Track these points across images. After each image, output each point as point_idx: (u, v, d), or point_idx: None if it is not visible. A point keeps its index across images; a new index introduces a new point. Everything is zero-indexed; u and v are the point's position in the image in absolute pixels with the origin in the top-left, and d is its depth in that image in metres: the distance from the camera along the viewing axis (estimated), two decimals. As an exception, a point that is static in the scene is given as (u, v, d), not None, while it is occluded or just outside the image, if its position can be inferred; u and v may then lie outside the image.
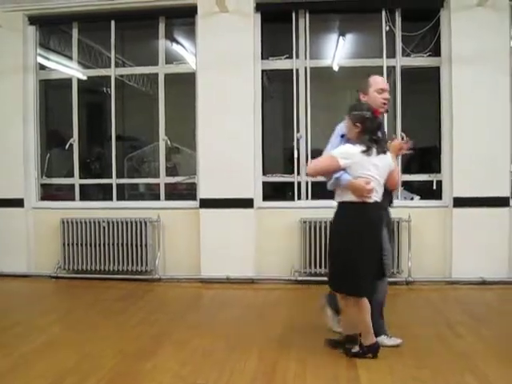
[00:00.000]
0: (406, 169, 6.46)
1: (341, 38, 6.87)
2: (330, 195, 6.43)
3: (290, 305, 5.45)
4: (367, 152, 3.62)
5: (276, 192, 6.63)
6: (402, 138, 4.05)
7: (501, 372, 3.51)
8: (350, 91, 7.17)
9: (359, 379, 3.44)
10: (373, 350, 3.79)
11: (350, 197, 3.67)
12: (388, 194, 3.92)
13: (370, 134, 3.66)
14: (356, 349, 3.83)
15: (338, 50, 6.78)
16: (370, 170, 3.64)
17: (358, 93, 4.02)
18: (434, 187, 6.26)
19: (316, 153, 6.63)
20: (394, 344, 3.99)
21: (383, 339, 3.97)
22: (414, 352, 3.90)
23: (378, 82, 4.00)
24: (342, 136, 3.81)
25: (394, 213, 5.93)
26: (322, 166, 3.76)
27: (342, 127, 3.86)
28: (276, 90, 7.31)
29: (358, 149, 3.63)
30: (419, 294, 5.80)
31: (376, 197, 3.68)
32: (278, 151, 7.27)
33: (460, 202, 6.01)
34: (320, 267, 6.08)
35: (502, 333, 4.37)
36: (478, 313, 4.98)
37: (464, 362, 3.70)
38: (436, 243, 6.13)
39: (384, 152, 3.70)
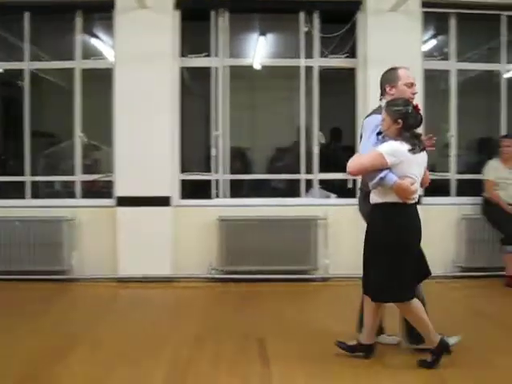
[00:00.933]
0: (323, 168, 6.58)
1: (261, 37, 6.91)
2: (249, 193, 6.62)
3: (207, 303, 5.46)
4: (413, 150, 3.44)
5: (197, 190, 6.60)
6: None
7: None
8: (271, 90, 7.36)
9: (271, 376, 3.46)
10: (368, 350, 3.72)
11: (392, 197, 3.46)
12: None
13: (413, 131, 3.49)
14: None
15: (259, 49, 6.82)
16: (415, 169, 3.49)
17: (384, 85, 3.83)
18: (350, 186, 6.40)
19: (235, 151, 6.74)
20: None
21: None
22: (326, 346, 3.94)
23: (409, 75, 3.79)
24: (379, 133, 3.58)
25: (312, 211, 6.22)
26: (367, 164, 3.46)
27: (376, 122, 3.62)
28: (197, 88, 7.28)
29: (405, 147, 3.43)
30: (335, 291, 5.93)
31: (416, 197, 3.54)
32: (199, 149, 7.24)
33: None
34: (237, 265, 6.11)
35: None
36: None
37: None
38: (353, 241, 6.24)
39: (423, 149, 3.54)
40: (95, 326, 4.57)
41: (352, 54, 6.50)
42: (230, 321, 4.69)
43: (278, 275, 6.15)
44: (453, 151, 6.66)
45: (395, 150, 3.42)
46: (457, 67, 6.67)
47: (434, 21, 6.78)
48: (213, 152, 6.38)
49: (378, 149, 3.45)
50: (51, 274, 6.17)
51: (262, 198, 6.44)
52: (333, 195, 6.49)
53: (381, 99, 3.86)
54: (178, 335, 4.28)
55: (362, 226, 6.12)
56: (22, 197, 6.49)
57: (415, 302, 3.55)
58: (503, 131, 6.66)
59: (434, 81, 6.87)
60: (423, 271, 3.69)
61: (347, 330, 4.23)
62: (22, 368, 3.58)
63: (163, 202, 6.11)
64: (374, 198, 3.56)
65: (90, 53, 6.55)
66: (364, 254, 3.67)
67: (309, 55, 6.48)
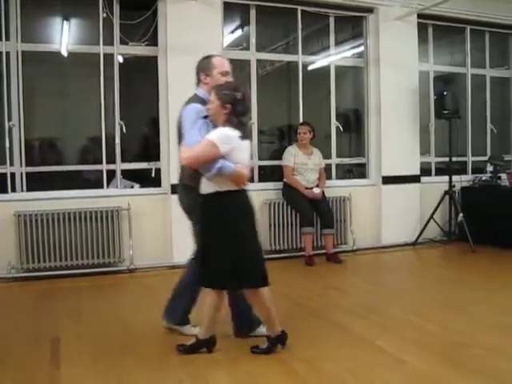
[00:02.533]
0: (129, 157, 6.50)
1: (64, 22, 6.58)
2: (48, 187, 6.29)
3: (9, 305, 5.07)
4: (242, 137, 3.40)
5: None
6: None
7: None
8: (78, 77, 7.05)
9: (60, 377, 3.28)
10: (208, 344, 3.63)
11: (227, 185, 3.37)
12: None
13: (240, 118, 3.43)
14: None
15: (64, 34, 6.48)
16: (245, 155, 3.46)
17: (199, 73, 3.75)
18: (153, 175, 6.38)
19: (35, 141, 6.39)
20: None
21: None
22: (123, 340, 3.90)
23: (224, 63, 3.74)
24: (205, 117, 3.46)
25: (114, 202, 6.09)
26: (201, 154, 3.29)
27: (196, 109, 3.51)
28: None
29: (235, 133, 3.35)
30: (140, 281, 5.89)
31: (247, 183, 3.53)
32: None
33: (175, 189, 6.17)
34: (39, 262, 5.81)
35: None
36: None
37: (169, 344, 3.82)
38: (156, 229, 6.26)
39: (248, 137, 3.54)
40: None
41: (153, 41, 6.44)
42: (22, 322, 4.43)
43: (82, 270, 5.95)
44: (254, 139, 6.87)
45: (227, 136, 3.33)
46: (257, 57, 6.93)
47: (237, 12, 6.97)
48: (7, 143, 5.95)
49: (209, 137, 3.31)
50: None
51: (63, 191, 6.15)
52: (136, 185, 6.41)
53: (197, 88, 3.79)
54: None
55: (166, 214, 6.24)
56: None
57: (264, 289, 3.52)
58: (301, 119, 7.04)
59: (241, 71, 7.04)
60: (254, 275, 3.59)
61: (148, 320, 4.32)
62: None
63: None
64: (207, 188, 3.41)
65: None
66: (201, 245, 3.57)
67: (109, 42, 6.30)
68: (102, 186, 6.35)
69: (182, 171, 3.76)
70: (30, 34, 6.14)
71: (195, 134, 3.39)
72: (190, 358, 3.53)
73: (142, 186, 6.44)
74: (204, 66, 3.73)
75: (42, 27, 6.59)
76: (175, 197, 5.96)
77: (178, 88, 6.15)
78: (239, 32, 7.24)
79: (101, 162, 6.34)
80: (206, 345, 3.61)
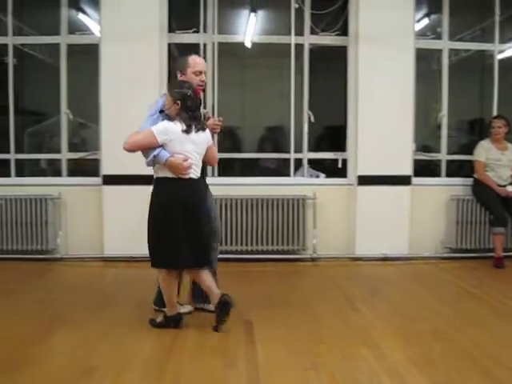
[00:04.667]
0: (314, 147, 6.52)
1: (252, 14, 6.77)
2: (239, 173, 6.52)
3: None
4: (187, 131, 3.68)
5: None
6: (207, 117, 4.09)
7: (394, 344, 3.60)
8: (261, 68, 7.24)
9: (256, 355, 3.41)
10: (175, 321, 3.91)
11: (166, 173, 3.72)
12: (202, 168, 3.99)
13: (190, 112, 3.71)
14: (160, 319, 3.94)
15: (249, 26, 6.68)
16: (189, 147, 3.72)
17: (175, 71, 4.08)
18: (340, 165, 6.35)
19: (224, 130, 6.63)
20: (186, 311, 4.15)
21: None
22: (313, 328, 3.93)
23: (198, 63, 4.00)
24: (161, 111, 3.80)
25: (300, 191, 6.16)
26: (139, 142, 3.70)
27: (161, 102, 3.86)
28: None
29: (178, 127, 3.67)
30: (323, 271, 5.91)
31: (193, 174, 3.77)
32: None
33: (364, 180, 6.14)
34: (228, 245, 6.07)
35: (399, 307, 4.50)
36: (378, 288, 5.11)
37: (360, 335, 3.77)
38: (340, 220, 6.25)
39: (203, 129, 3.79)
40: (78, 306, 4.47)
41: (343, 31, 6.38)
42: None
43: (267, 255, 6.11)
44: (444, 132, 6.60)
45: (166, 128, 3.66)
46: (449, 46, 6.58)
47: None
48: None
49: (152, 128, 3.68)
50: (36, 253, 6.09)
51: (252, 177, 6.38)
52: (322, 175, 6.42)
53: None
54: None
55: (350, 206, 6.20)
56: (7, 175, 6.37)
57: (167, 272, 3.83)
58: (495, 112, 6.60)
59: (426, 60, 6.79)
60: (185, 259, 3.81)
61: (330, 307, 4.37)
62: (5, 347, 3.50)
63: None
64: (154, 173, 3.83)
65: (75, 28, 6.39)
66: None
67: (299, 33, 6.36)
68: (281, 174, 6.50)
69: None
70: (223, 26, 6.39)
71: (148, 124, 3.75)
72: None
73: (328, 176, 6.43)
74: (180, 65, 4.03)
75: (231, 19, 6.82)
76: (361, 188, 6.11)
77: (368, 78, 6.12)
78: (425, 20, 6.94)
79: (283, 151, 6.46)
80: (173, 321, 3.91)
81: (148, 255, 3.84)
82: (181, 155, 3.68)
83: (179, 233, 3.74)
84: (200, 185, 3.93)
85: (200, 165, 3.84)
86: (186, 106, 3.68)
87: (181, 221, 3.74)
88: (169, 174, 3.71)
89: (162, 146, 3.65)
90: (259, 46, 6.60)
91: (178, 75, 4.01)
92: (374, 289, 5.07)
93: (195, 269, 3.87)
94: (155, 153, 3.63)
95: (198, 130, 3.72)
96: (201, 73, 3.96)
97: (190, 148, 3.72)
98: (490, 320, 4.17)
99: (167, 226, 3.75)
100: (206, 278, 3.88)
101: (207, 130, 3.83)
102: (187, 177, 3.73)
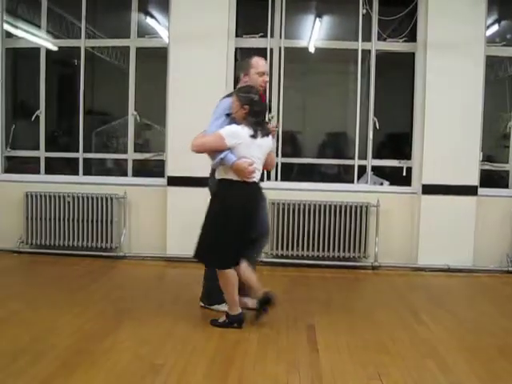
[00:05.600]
0: (376, 154, 6.45)
1: (317, 19, 6.77)
2: (300, 178, 6.50)
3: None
4: (254, 136, 3.74)
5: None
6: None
7: (460, 358, 3.53)
8: (325, 73, 7.22)
9: (320, 362, 3.41)
10: (237, 321, 3.96)
11: (231, 175, 3.79)
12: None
13: (256, 117, 3.78)
14: (222, 319, 4.01)
15: (315, 31, 6.68)
16: (255, 151, 3.79)
17: (238, 73, 4.22)
18: (404, 173, 6.26)
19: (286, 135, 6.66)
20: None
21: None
22: (376, 337, 3.89)
23: (260, 64, 4.08)
24: (228, 115, 3.87)
25: (363, 197, 6.10)
26: (208, 144, 3.78)
27: (225, 105, 3.93)
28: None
29: (245, 131, 3.73)
30: (385, 279, 5.83)
31: (256, 177, 3.84)
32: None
33: (429, 189, 6.04)
34: (288, 249, 6.07)
35: (464, 320, 4.40)
36: (441, 300, 5.01)
37: (425, 348, 3.70)
38: (403, 229, 6.16)
39: (267, 134, 3.86)
40: (143, 304, 4.59)
41: (411, 37, 6.29)
42: (280, 306, 4.60)
43: (327, 261, 6.09)
44: (512, 141, 6.43)
45: (235, 132, 3.73)
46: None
47: (499, 4, 6.52)
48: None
49: (220, 131, 3.75)
50: (100, 250, 6.27)
51: (315, 183, 6.40)
52: (386, 182, 6.35)
53: (237, 85, 4.21)
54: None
55: (414, 214, 6.11)
56: (75, 173, 6.57)
57: (229, 272, 3.88)
58: None
59: (495, 68, 6.63)
60: (248, 253, 4.00)
61: (393, 317, 4.34)
62: (68, 343, 3.60)
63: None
64: (217, 174, 3.89)
65: (145, 31, 6.54)
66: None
67: (366, 38, 6.32)
68: (342, 181, 6.50)
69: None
70: (288, 31, 6.41)
71: (215, 126, 3.84)
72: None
73: (392, 183, 6.36)
74: (243, 67, 4.15)
75: (298, 24, 6.82)
76: (426, 197, 6.02)
77: (435, 85, 6.02)
78: (495, 27, 6.76)
79: (345, 157, 6.46)
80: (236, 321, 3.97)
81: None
82: (247, 159, 3.74)
83: (241, 232, 3.85)
84: (261, 188, 4.03)
85: (261, 169, 3.92)
86: (253, 110, 3.76)
87: (243, 221, 3.84)
88: (234, 177, 3.78)
89: (229, 148, 3.72)
90: (324, 51, 6.59)
91: (241, 76, 4.12)
92: (438, 300, 4.98)
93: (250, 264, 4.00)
94: (222, 155, 3.71)
95: (262, 135, 3.79)
96: (264, 74, 4.06)
97: (256, 152, 3.79)
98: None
99: (231, 227, 3.81)
100: (250, 271, 4.02)
101: (270, 136, 3.90)
102: (251, 180, 3.80)
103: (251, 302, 4.14)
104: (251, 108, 3.75)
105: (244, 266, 3.97)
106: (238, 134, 3.72)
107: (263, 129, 3.81)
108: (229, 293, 3.95)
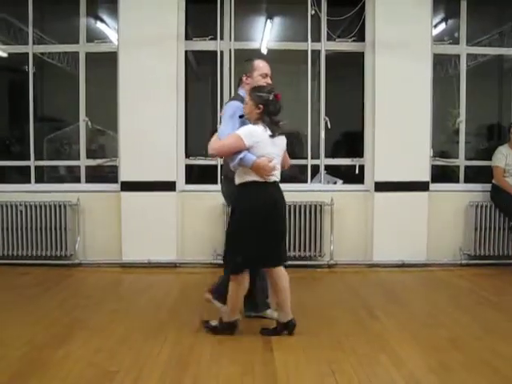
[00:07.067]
0: (331, 153, 6.52)
1: (268, 20, 6.80)
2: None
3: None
4: (272, 135, 3.70)
5: (203, 175, 6.53)
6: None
7: (412, 351, 3.59)
8: (277, 74, 7.22)
9: (274, 362, 3.42)
10: (232, 327, 3.91)
11: (253, 177, 3.72)
12: None
13: (272, 117, 3.74)
14: (215, 323, 3.97)
15: (266, 32, 6.71)
16: (273, 149, 3.74)
17: (241, 75, 4.17)
18: (357, 171, 6.34)
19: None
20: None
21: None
22: (330, 334, 3.92)
23: (263, 66, 4.09)
24: (241, 116, 3.85)
25: (317, 197, 6.15)
26: (227, 146, 3.72)
27: (234, 108, 3.93)
28: (204, 72, 7.19)
29: (262, 130, 3.69)
30: (340, 277, 5.89)
31: (276, 176, 3.79)
32: (204, 133, 7.15)
33: (381, 187, 6.13)
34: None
35: (417, 314, 4.49)
36: (396, 295, 5.10)
37: (378, 343, 3.74)
38: (358, 227, 6.23)
39: (281, 134, 3.83)
40: (97, 311, 4.53)
41: (360, 37, 6.38)
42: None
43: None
44: (462, 137, 6.55)
45: (252, 131, 3.69)
46: (467, 51, 6.54)
47: (445, 4, 6.66)
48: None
49: (237, 132, 3.71)
50: (55, 258, 6.16)
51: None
52: (339, 181, 6.42)
53: (238, 88, 4.21)
54: (180, 321, 4.22)
55: (368, 212, 6.18)
56: (27, 181, 6.46)
57: (243, 277, 3.80)
58: (515, 118, 6.55)
59: (444, 65, 6.76)
60: (273, 258, 3.87)
61: (347, 314, 4.38)
62: (20, 354, 3.53)
63: (168, 186, 6.07)
64: (237, 179, 3.81)
65: (95, 36, 6.47)
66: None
67: (316, 39, 6.37)
68: (297, 181, 6.50)
69: (224, 164, 4.21)
70: (237, 33, 6.42)
71: (228, 128, 3.83)
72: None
73: (346, 182, 6.43)
74: (246, 69, 4.12)
75: (248, 26, 6.84)
76: (379, 194, 6.10)
77: (385, 83, 6.11)
78: (442, 25, 6.90)
79: (298, 157, 6.46)
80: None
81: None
82: (265, 157, 3.69)
83: (269, 233, 3.78)
84: (280, 188, 3.94)
85: (280, 168, 3.86)
86: (268, 110, 3.71)
87: (271, 221, 3.78)
88: (256, 178, 3.71)
89: (247, 149, 3.67)
90: (275, 52, 6.61)
91: (244, 78, 4.10)
92: (392, 295, 5.05)
93: (278, 266, 3.91)
94: (241, 155, 3.66)
95: (278, 134, 3.76)
96: (267, 75, 4.06)
97: (274, 151, 3.74)
98: (509, 328, 4.12)
99: (260, 229, 3.75)
100: (285, 274, 3.93)
101: (283, 135, 3.86)
102: (272, 180, 3.76)
103: (276, 314, 4.07)
104: (266, 107, 3.70)
105: (285, 277, 3.92)
106: (255, 133, 3.69)
107: (278, 128, 3.77)
108: (235, 297, 3.87)
